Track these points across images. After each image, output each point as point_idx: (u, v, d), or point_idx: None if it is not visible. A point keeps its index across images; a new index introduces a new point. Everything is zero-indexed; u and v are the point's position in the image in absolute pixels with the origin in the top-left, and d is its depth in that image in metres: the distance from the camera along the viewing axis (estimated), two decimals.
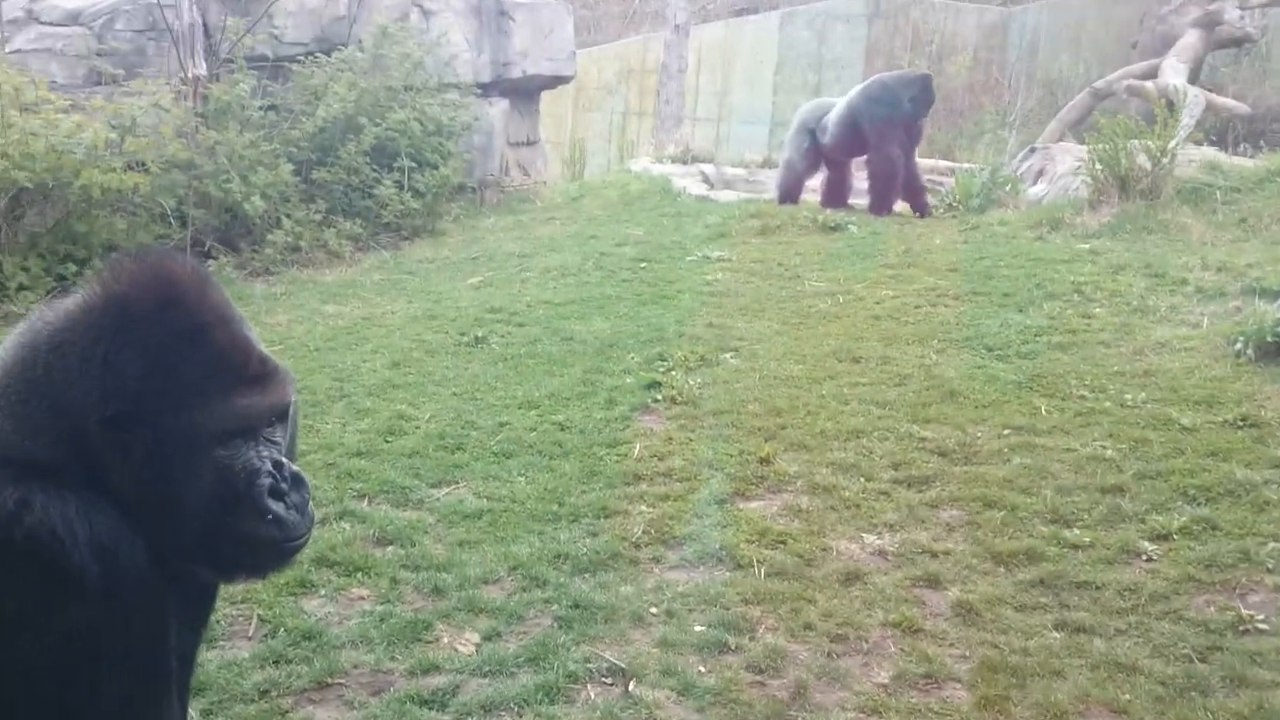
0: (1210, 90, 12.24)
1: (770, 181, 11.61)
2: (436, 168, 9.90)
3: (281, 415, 1.71)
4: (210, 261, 8.16)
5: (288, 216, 8.75)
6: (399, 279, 8.16)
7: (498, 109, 11.81)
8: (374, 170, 9.63)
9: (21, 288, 7.14)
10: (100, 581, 1.54)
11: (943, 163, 12.84)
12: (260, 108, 9.37)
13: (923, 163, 11.43)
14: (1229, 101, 12.35)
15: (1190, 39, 13.11)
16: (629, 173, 13.02)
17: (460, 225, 10.02)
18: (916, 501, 4.08)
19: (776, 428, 4.81)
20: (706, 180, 12.63)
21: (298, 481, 1.69)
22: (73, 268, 7.54)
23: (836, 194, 10.42)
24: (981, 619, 3.29)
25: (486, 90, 11.75)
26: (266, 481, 1.64)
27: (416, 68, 10.22)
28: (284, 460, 1.69)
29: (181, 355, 1.61)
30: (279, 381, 1.70)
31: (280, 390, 1.70)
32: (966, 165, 12.01)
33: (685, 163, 13.55)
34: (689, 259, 8.15)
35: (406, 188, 9.65)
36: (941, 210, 9.77)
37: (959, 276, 7.13)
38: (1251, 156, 9.63)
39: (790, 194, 10.63)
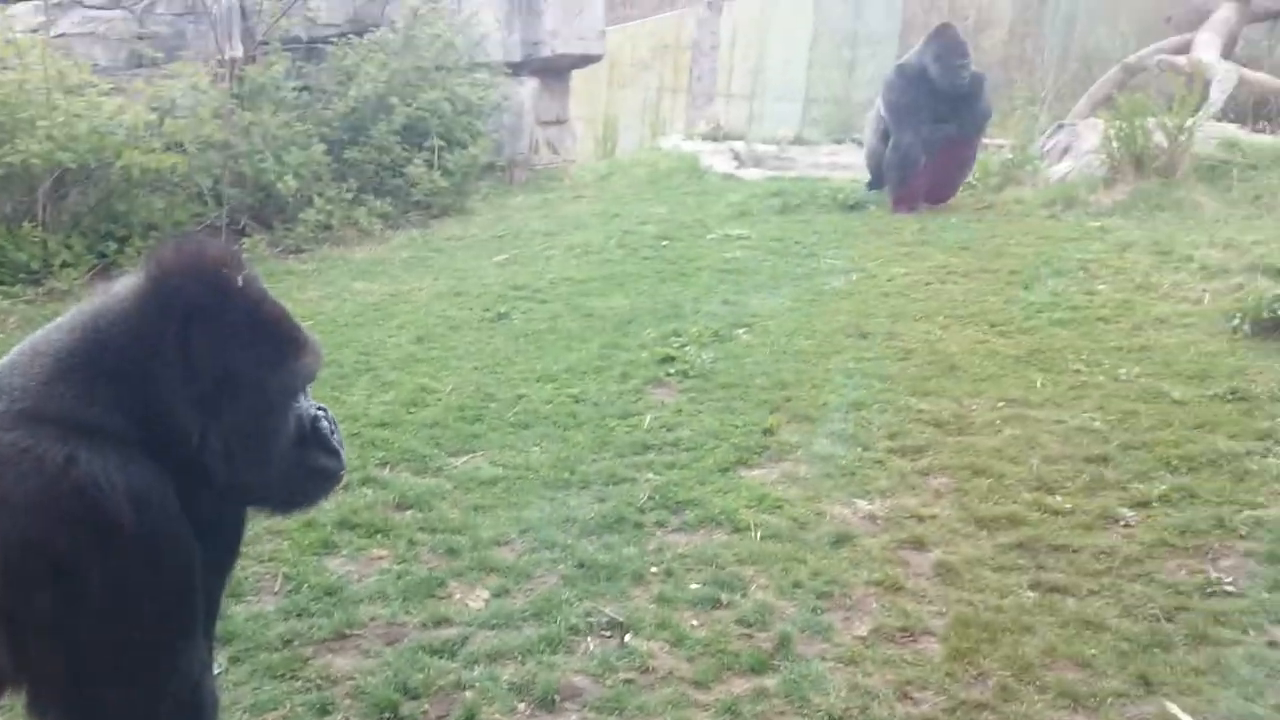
0: (1245, 66, 12.11)
1: (800, 159, 11.70)
2: (466, 147, 10.10)
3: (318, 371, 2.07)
4: (244, 239, 8.45)
5: (320, 195, 8.99)
6: (427, 256, 8.39)
7: (528, 88, 11.96)
8: (404, 149, 9.84)
9: (65, 264, 7.42)
10: (136, 527, 1.79)
11: None
12: (294, 89, 9.60)
13: None
14: (1264, 76, 12.21)
15: (1224, 12, 12.95)
16: (658, 150, 13.12)
17: (489, 203, 10.23)
18: (909, 469, 4.26)
19: (782, 400, 5.00)
20: (736, 158, 12.69)
21: (334, 423, 2.08)
22: (113, 246, 7.84)
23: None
24: (960, 578, 3.49)
25: (517, 70, 11.90)
26: (325, 424, 2.03)
27: (447, 48, 10.40)
28: (324, 406, 2.07)
29: (248, 335, 1.90)
30: (314, 344, 2.05)
31: (317, 351, 2.05)
32: (998, 142, 12.00)
33: (716, 140, 13.59)
34: (710, 237, 8.30)
35: (436, 166, 9.85)
36: (962, 190, 9.81)
37: (969, 254, 7.23)
38: (1272, 134, 9.59)
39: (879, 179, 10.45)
